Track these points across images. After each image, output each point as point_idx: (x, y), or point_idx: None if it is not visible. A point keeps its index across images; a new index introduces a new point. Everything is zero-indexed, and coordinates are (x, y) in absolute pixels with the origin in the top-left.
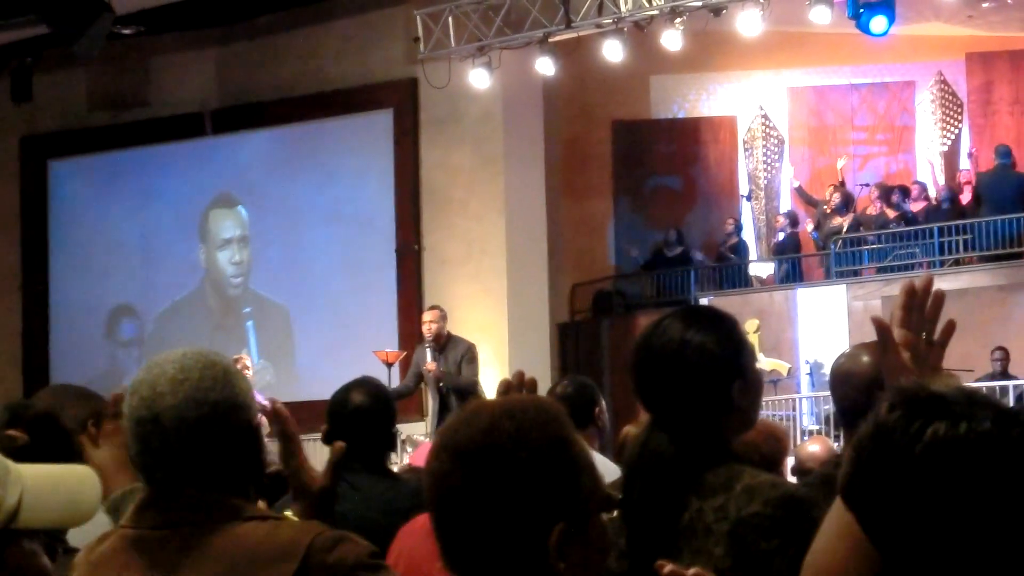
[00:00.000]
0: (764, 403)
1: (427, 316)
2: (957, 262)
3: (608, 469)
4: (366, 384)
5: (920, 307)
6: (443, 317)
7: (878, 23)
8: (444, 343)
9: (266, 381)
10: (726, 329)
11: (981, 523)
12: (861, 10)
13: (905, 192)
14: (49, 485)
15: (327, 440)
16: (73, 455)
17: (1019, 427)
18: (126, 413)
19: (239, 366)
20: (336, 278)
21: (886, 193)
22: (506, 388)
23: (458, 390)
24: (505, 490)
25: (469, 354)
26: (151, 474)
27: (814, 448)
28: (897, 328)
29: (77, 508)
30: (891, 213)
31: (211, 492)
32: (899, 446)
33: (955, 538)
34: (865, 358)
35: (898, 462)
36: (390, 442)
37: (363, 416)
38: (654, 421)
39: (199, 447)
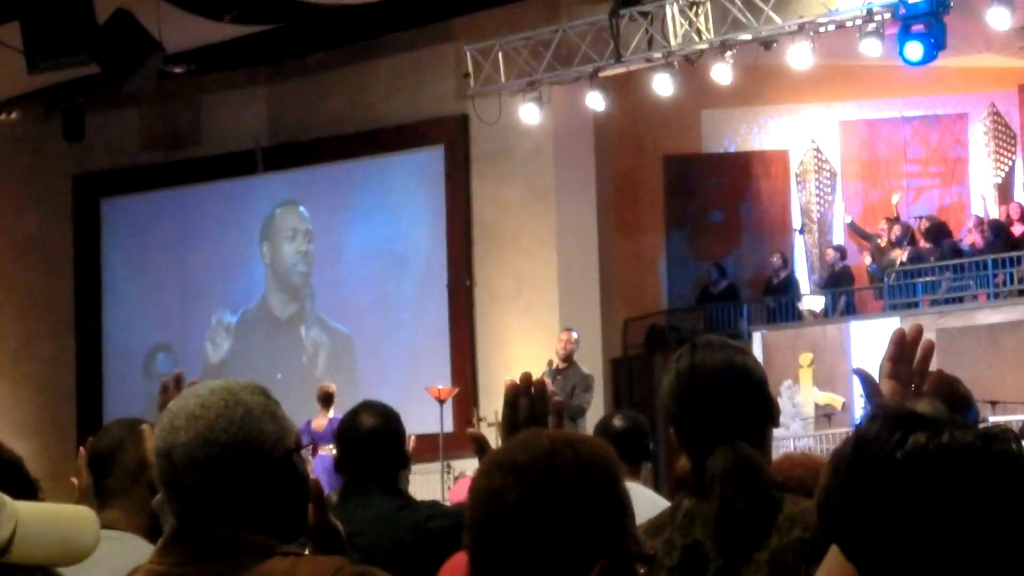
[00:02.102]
0: (817, 437)
1: (563, 336)
2: (1020, 293)
3: (659, 505)
4: (374, 406)
5: (909, 359)
6: (578, 341)
7: (912, 49)
8: (567, 368)
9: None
10: (751, 353)
11: (960, 532)
12: (907, 40)
13: (942, 232)
14: (45, 522)
15: (340, 467)
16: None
17: (1001, 443)
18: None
19: (324, 392)
20: (387, 314)
21: (933, 236)
22: (514, 392)
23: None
24: (559, 514)
25: (585, 383)
26: (172, 509)
27: None
28: (885, 379)
29: (73, 546)
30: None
31: (235, 530)
32: (879, 455)
33: (933, 546)
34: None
35: (877, 470)
36: (403, 461)
37: (374, 439)
38: (720, 440)
39: (209, 487)
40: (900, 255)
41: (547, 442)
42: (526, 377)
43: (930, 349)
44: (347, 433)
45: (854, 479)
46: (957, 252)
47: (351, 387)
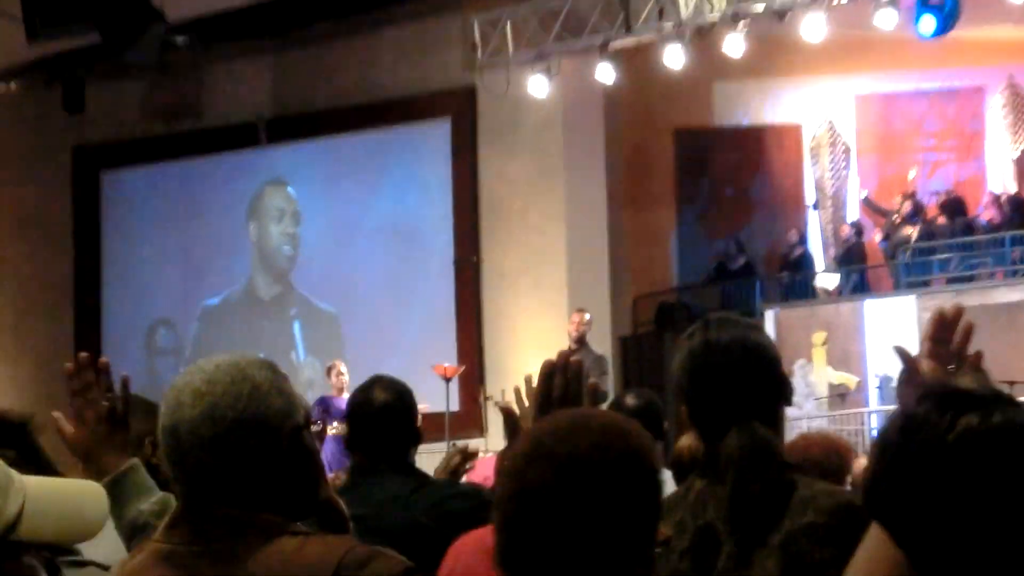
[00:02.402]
0: (832, 418)
1: (576, 317)
2: None
3: (672, 486)
4: (385, 380)
5: (948, 339)
6: (590, 322)
7: (926, 23)
8: (578, 350)
9: (306, 377)
10: (764, 330)
11: (1015, 514)
12: (922, 12)
13: (958, 209)
14: (54, 498)
15: (351, 445)
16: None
17: None
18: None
19: (334, 374)
20: (391, 291)
21: (949, 212)
22: (549, 369)
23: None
24: (605, 508)
25: (600, 366)
26: (179, 487)
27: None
28: (925, 359)
29: (82, 523)
30: (941, 219)
31: (242, 509)
32: (930, 437)
33: (987, 529)
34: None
35: (928, 453)
36: (415, 438)
37: (389, 414)
38: (734, 420)
39: (215, 465)
40: (912, 232)
41: (598, 431)
42: (564, 355)
43: (970, 329)
44: (359, 409)
45: (903, 463)
46: (970, 229)
47: (353, 367)
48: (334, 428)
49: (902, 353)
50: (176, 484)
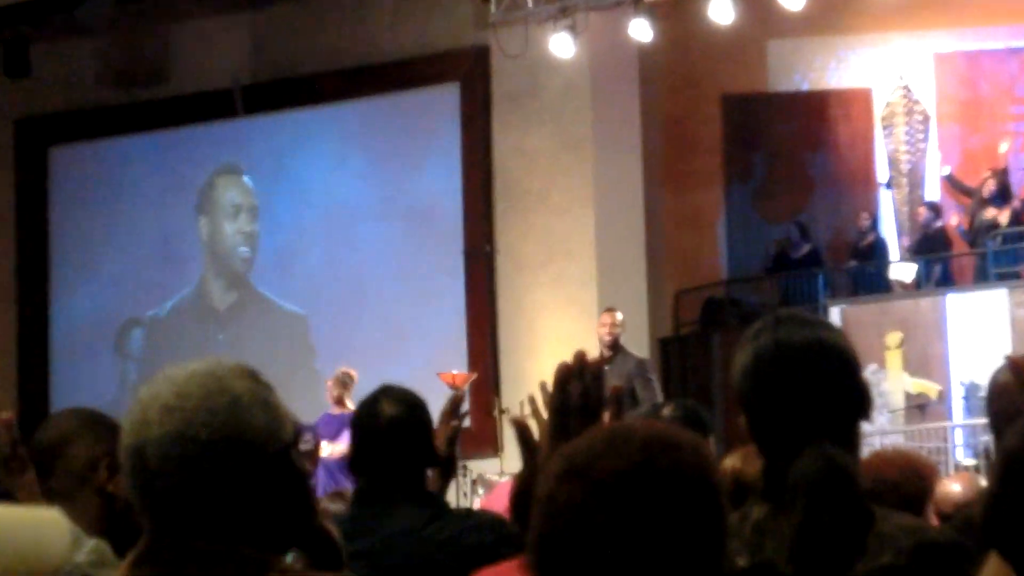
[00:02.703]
0: (909, 433)
1: (607, 318)
2: None
3: None
4: (395, 391)
5: None
6: (623, 323)
7: None
8: (613, 356)
9: None
10: (838, 329)
11: None
12: None
13: None
14: (9, 528)
15: (354, 467)
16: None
17: None
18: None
19: (344, 379)
20: (390, 285)
21: None
22: (565, 374)
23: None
24: (654, 535)
25: (643, 371)
26: (145, 518)
27: (954, 488)
28: None
29: (42, 555)
30: None
31: (219, 543)
32: None
33: None
34: None
35: None
36: (431, 458)
37: (399, 429)
38: (805, 436)
39: (188, 491)
40: (997, 215)
41: (639, 445)
42: (580, 356)
43: None
44: (364, 425)
45: None
46: None
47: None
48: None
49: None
50: (142, 514)
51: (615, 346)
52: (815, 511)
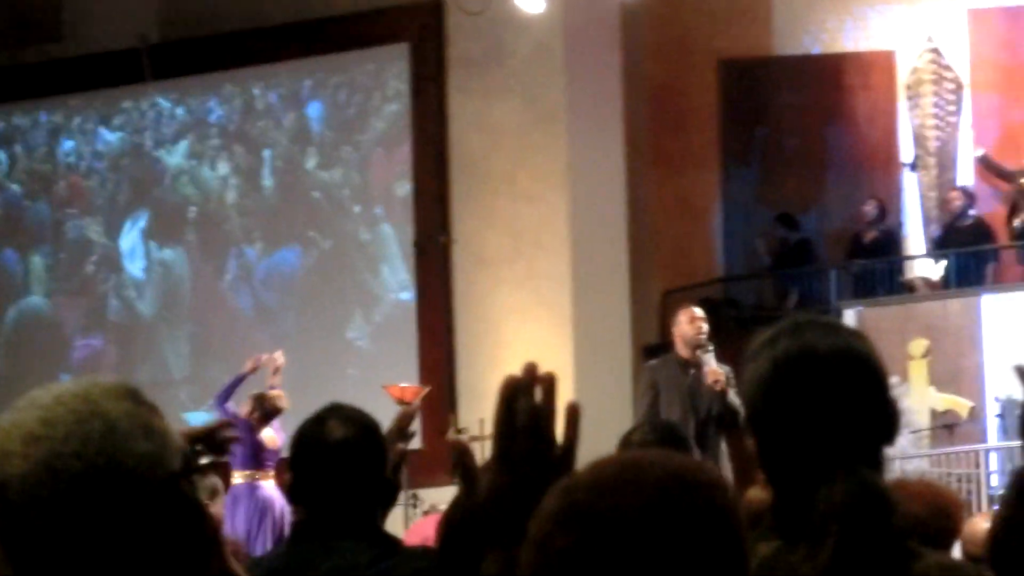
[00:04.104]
0: (937, 459)
1: (698, 312)
2: None
3: None
4: (344, 410)
5: None
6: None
7: None
8: (696, 359)
9: None
10: (866, 337)
11: None
12: None
13: None
14: None
15: (294, 496)
16: None
17: None
18: None
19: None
20: (324, 283)
21: None
22: (512, 389)
23: (723, 419)
24: None
25: (731, 378)
26: (8, 566)
27: (985, 526)
28: None
29: None
30: None
31: None
32: None
33: None
34: None
35: None
36: (387, 493)
37: (348, 454)
38: (828, 461)
39: (59, 533)
40: None
41: (654, 482)
42: (530, 368)
43: None
44: (309, 446)
45: None
46: None
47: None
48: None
49: None
50: (5, 562)
51: (702, 346)
52: (849, 545)
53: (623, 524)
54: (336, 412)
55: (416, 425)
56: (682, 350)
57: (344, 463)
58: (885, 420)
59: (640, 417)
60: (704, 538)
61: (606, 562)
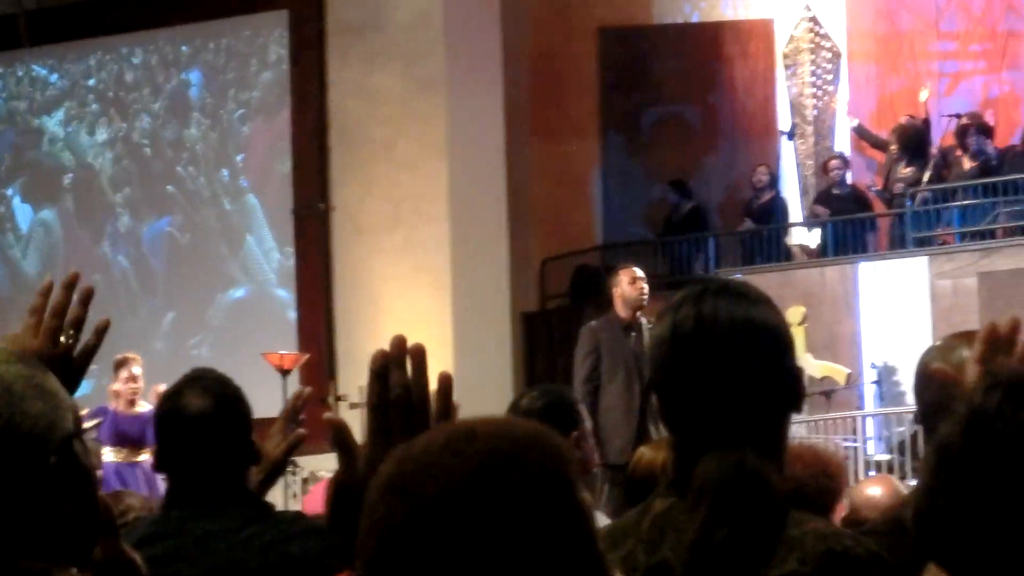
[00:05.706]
0: (815, 425)
1: (638, 272)
2: None
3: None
4: (205, 380)
5: (1006, 349)
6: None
7: None
8: (637, 320)
9: None
10: (774, 305)
11: None
12: None
13: (985, 131)
14: None
15: (161, 467)
16: None
17: None
18: None
19: (125, 374)
20: (204, 252)
21: (960, 133)
22: (382, 362)
23: None
24: (498, 551)
25: None
26: None
27: (874, 491)
28: (973, 364)
29: None
30: (968, 163)
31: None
32: (1005, 434)
33: None
34: (965, 352)
35: (1004, 457)
36: (250, 455)
37: (207, 427)
38: (725, 428)
39: None
40: (914, 172)
41: (476, 456)
42: (399, 341)
43: None
44: (170, 416)
45: (970, 472)
46: (1001, 165)
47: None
48: (112, 452)
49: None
50: None
51: (642, 307)
52: (719, 510)
53: (440, 501)
54: (195, 382)
55: (292, 390)
56: (622, 311)
57: (203, 434)
58: (787, 388)
59: (580, 380)
60: (533, 509)
61: (428, 533)
